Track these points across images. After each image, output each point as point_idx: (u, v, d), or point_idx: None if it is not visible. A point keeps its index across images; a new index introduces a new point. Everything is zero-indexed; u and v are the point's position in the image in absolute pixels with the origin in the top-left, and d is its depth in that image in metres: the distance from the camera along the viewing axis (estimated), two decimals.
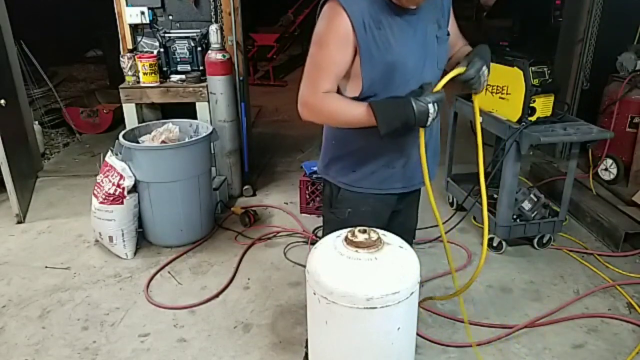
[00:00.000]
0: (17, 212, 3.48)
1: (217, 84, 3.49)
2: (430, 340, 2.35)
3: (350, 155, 1.77)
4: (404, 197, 1.86)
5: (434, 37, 1.63)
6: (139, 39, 3.69)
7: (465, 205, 3.24)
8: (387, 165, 1.73)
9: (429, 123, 1.50)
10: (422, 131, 1.60)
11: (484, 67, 1.61)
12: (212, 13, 3.60)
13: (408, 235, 1.99)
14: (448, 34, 1.70)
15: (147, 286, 2.77)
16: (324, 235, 1.88)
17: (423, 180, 1.74)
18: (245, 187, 3.87)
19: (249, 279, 2.86)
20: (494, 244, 3.05)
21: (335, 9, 1.51)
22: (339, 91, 1.64)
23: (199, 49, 3.61)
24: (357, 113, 1.54)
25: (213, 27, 3.42)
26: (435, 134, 1.83)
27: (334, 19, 1.51)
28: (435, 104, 1.50)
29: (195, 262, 3.03)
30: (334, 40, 1.53)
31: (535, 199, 3.00)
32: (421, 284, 1.68)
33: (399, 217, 1.93)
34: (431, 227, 3.19)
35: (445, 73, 1.63)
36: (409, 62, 1.58)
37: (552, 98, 2.82)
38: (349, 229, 1.52)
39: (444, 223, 3.14)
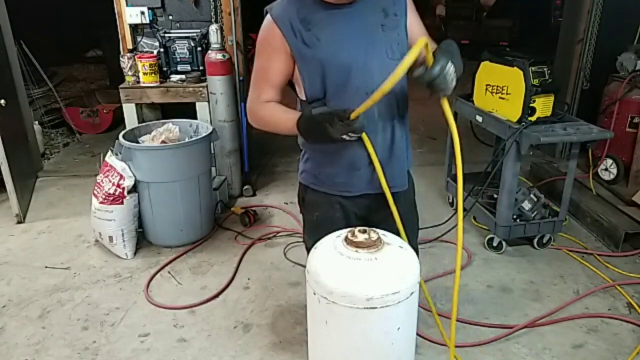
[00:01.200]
0: (17, 212, 3.48)
1: (217, 84, 3.49)
2: (430, 340, 2.35)
3: (314, 153, 1.76)
4: (381, 205, 1.71)
5: (379, 25, 1.56)
6: (139, 39, 3.69)
7: (465, 205, 3.25)
8: (351, 166, 1.67)
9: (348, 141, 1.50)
10: (364, 136, 1.57)
11: (449, 64, 1.41)
12: (212, 13, 3.60)
13: (414, 229, 1.92)
14: (399, 21, 1.60)
15: (147, 286, 2.77)
16: (304, 239, 1.92)
17: (398, 183, 1.71)
18: (245, 187, 3.87)
19: (249, 279, 2.86)
20: (494, 244, 3.05)
21: (267, 21, 1.59)
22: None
23: (199, 49, 3.61)
24: (289, 125, 1.61)
25: (213, 27, 3.42)
26: (398, 135, 1.73)
27: (265, 30, 1.59)
28: (349, 135, 1.45)
29: (195, 262, 3.03)
30: (266, 49, 1.59)
31: (535, 199, 3.00)
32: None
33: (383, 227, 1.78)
34: (431, 227, 3.20)
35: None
36: (342, 55, 1.53)
37: (552, 98, 2.82)
38: (349, 228, 1.52)
39: (443, 223, 3.19)
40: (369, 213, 1.78)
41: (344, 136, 1.46)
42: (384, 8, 1.57)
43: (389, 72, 1.38)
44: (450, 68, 1.41)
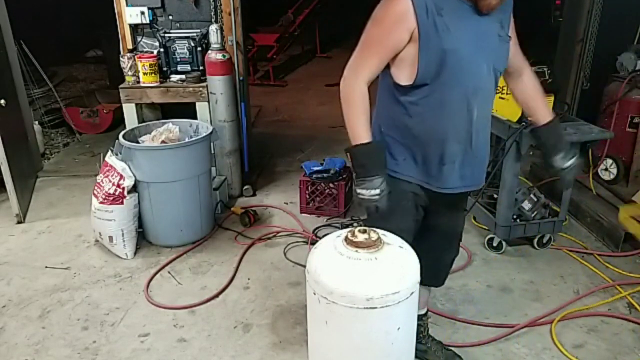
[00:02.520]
0: (17, 212, 3.48)
1: (217, 84, 3.49)
2: None
3: (405, 139, 1.69)
4: (441, 198, 1.74)
5: (496, 34, 1.59)
6: (139, 39, 3.69)
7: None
8: (440, 160, 1.66)
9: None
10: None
11: (574, 160, 1.72)
12: (212, 13, 3.60)
13: (452, 239, 1.98)
14: (509, 38, 1.67)
15: (147, 286, 2.77)
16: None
17: (477, 182, 1.75)
18: (245, 187, 3.87)
19: (249, 279, 2.86)
20: (494, 244, 3.05)
21: None
22: (388, 81, 1.64)
23: (199, 49, 3.61)
24: (355, 132, 1.60)
25: (213, 27, 3.42)
26: (488, 134, 1.77)
27: (394, 1, 1.51)
28: (380, 190, 1.57)
29: (195, 262, 3.03)
30: (389, 21, 1.52)
31: (535, 199, 3.00)
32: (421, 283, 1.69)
33: (439, 218, 1.87)
34: None
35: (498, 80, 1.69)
36: (464, 51, 1.53)
37: (552, 98, 2.82)
38: (349, 229, 1.52)
39: None
40: (430, 204, 1.80)
41: (364, 197, 1.60)
42: (501, 20, 1.60)
43: (491, 82, 1.61)
44: (575, 159, 1.73)
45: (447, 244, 1.98)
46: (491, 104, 1.72)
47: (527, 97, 1.85)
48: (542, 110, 1.82)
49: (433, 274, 1.96)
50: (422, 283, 1.82)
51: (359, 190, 1.59)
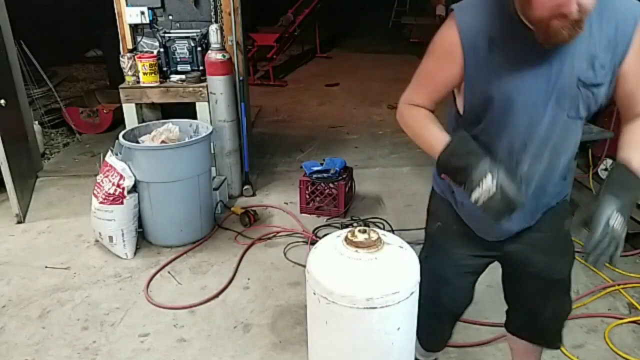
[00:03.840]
0: (17, 212, 3.48)
1: (217, 84, 3.49)
2: None
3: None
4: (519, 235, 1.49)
5: (575, 78, 1.25)
6: (139, 39, 3.69)
7: None
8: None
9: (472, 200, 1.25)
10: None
11: (615, 219, 1.18)
12: (212, 13, 3.60)
13: (548, 287, 1.57)
14: (612, 81, 1.28)
15: (147, 286, 2.77)
16: (420, 253, 1.61)
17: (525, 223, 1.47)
18: (245, 187, 3.87)
19: (249, 279, 2.86)
20: None
21: (450, 22, 1.31)
22: (452, 108, 1.47)
23: (199, 49, 3.61)
24: (432, 144, 1.37)
25: (213, 27, 3.42)
26: (556, 181, 1.45)
27: (445, 32, 1.33)
28: (491, 177, 1.20)
29: (195, 262, 3.03)
30: (439, 53, 1.37)
31: None
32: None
33: (523, 259, 1.55)
34: None
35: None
36: (517, 100, 1.28)
37: None
38: (349, 228, 1.51)
39: None
40: (505, 242, 1.55)
41: (481, 198, 1.23)
42: (593, 55, 1.24)
43: (562, 130, 1.30)
44: (616, 223, 1.18)
45: (542, 293, 1.60)
46: (562, 156, 1.39)
47: (628, 138, 1.35)
48: (634, 157, 1.28)
49: (536, 330, 1.70)
50: (526, 339, 1.75)
51: (473, 197, 1.24)
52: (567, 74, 1.25)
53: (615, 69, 1.27)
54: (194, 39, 3.61)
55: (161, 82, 3.58)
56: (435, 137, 1.37)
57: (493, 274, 2.92)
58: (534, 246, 1.53)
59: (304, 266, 1.94)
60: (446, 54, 1.33)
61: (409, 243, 1.64)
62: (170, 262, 3.00)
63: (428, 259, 1.60)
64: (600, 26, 1.23)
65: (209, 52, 3.47)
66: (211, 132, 3.20)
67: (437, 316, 1.71)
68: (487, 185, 1.21)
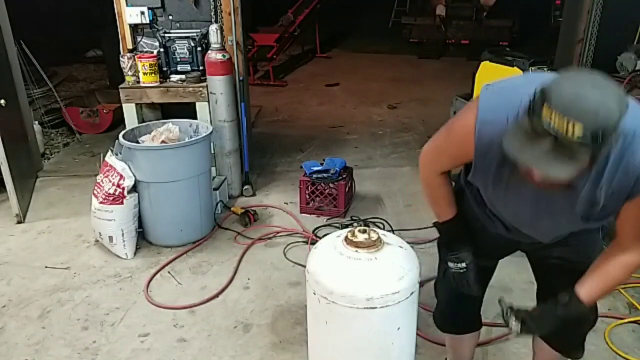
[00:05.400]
0: (17, 212, 3.48)
1: (217, 84, 3.49)
2: (430, 340, 2.35)
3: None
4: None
5: (568, 212, 1.31)
6: (139, 39, 3.69)
7: None
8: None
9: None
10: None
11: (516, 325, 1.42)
12: (212, 13, 3.60)
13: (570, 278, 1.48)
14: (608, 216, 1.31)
15: (147, 286, 2.77)
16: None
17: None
18: (245, 187, 3.87)
19: (249, 279, 2.86)
20: None
21: (470, 123, 1.30)
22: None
23: (199, 49, 3.61)
24: (436, 211, 1.62)
25: (213, 27, 3.42)
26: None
27: (463, 118, 1.36)
28: (465, 264, 1.59)
29: (195, 262, 3.03)
30: (454, 143, 1.43)
31: None
32: (421, 284, 1.69)
33: (545, 269, 1.71)
34: (431, 227, 3.19)
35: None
36: (514, 212, 1.45)
37: None
38: (349, 228, 1.52)
39: None
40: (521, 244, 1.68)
41: (453, 269, 1.59)
42: (596, 202, 1.25)
43: (562, 230, 1.45)
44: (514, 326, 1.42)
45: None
46: (567, 230, 1.48)
47: (597, 266, 1.42)
48: (587, 283, 1.40)
49: (559, 334, 1.64)
50: (544, 339, 1.79)
51: (448, 264, 1.60)
52: (569, 211, 1.31)
53: (619, 208, 1.27)
54: (194, 39, 3.61)
55: (161, 82, 3.58)
56: (443, 210, 1.60)
57: (494, 274, 2.92)
58: (563, 257, 1.60)
59: (304, 266, 1.94)
60: (460, 143, 1.37)
61: (409, 243, 1.65)
62: (170, 262, 3.00)
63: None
64: (615, 175, 1.20)
65: (209, 52, 3.47)
66: (211, 132, 3.20)
67: (455, 298, 1.76)
68: (459, 267, 1.58)
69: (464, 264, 1.57)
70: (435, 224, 1.65)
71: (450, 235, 1.61)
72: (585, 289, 1.38)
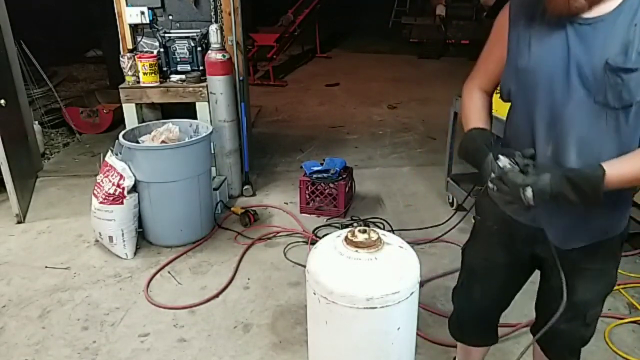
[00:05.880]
0: (17, 212, 3.48)
1: (217, 84, 3.49)
2: (430, 340, 2.35)
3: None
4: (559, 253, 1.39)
5: (604, 60, 1.18)
6: (139, 39, 3.69)
7: (465, 205, 3.24)
8: None
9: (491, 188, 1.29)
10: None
11: (533, 186, 1.20)
12: (212, 13, 3.60)
13: (570, 306, 1.41)
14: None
15: (147, 286, 2.77)
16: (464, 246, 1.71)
17: (563, 242, 1.38)
18: (245, 187, 3.87)
19: (249, 279, 2.86)
20: None
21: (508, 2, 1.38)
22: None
23: (199, 49, 3.61)
24: (465, 124, 1.50)
25: (213, 27, 3.42)
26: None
27: (501, 12, 1.42)
28: (494, 172, 1.26)
29: (195, 262, 3.03)
30: (493, 33, 1.45)
31: None
32: (421, 284, 1.69)
33: (550, 272, 1.52)
34: (431, 227, 3.20)
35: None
36: (539, 72, 1.28)
37: None
38: (349, 228, 1.52)
39: (443, 223, 3.19)
40: (536, 246, 1.49)
41: (492, 187, 1.28)
42: (630, 41, 1.17)
43: (590, 119, 1.23)
44: (529, 191, 1.20)
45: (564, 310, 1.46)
46: (594, 155, 1.25)
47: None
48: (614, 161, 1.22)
49: (548, 343, 1.69)
50: (541, 347, 1.75)
51: (490, 187, 1.30)
52: (596, 54, 1.20)
53: None
54: (194, 39, 3.61)
55: (161, 82, 3.58)
56: (470, 120, 1.48)
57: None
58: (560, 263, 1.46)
59: (304, 266, 1.94)
60: (498, 32, 1.40)
61: (409, 243, 1.65)
62: (170, 262, 3.00)
63: (466, 249, 1.70)
64: None
65: (209, 52, 3.47)
66: (211, 132, 3.20)
67: (470, 309, 1.74)
68: (494, 177, 1.28)
69: (493, 174, 1.28)
70: (462, 141, 1.45)
71: (470, 141, 1.41)
72: (609, 162, 1.20)
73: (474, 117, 1.49)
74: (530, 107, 1.33)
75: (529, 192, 1.20)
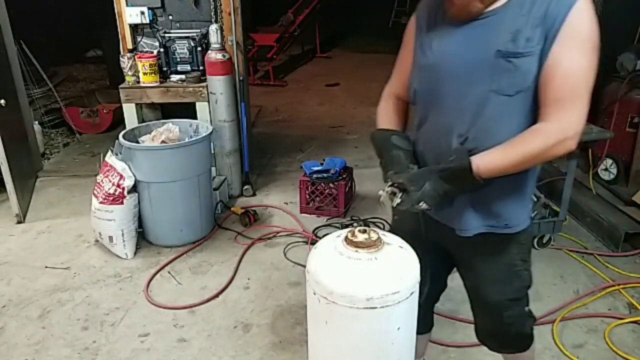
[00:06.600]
0: (17, 212, 3.48)
1: (217, 84, 3.49)
2: (430, 341, 2.35)
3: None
4: (460, 243, 1.48)
5: (494, 50, 1.25)
6: (139, 39, 3.69)
7: None
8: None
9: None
10: None
11: (417, 189, 1.30)
12: (212, 13, 3.60)
13: (483, 305, 1.60)
14: (540, 58, 1.24)
15: (147, 286, 2.77)
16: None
17: (462, 227, 1.45)
18: (245, 187, 3.87)
19: (249, 279, 2.86)
20: None
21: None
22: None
23: (199, 49, 3.61)
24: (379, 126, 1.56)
25: (213, 27, 3.42)
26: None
27: (410, 18, 1.53)
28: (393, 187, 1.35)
29: (195, 262, 3.03)
30: (403, 41, 1.54)
31: (535, 199, 3.00)
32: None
33: (463, 271, 1.61)
34: None
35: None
36: (441, 67, 1.35)
37: None
38: (349, 228, 1.52)
39: None
40: (442, 240, 1.56)
41: (385, 189, 1.37)
42: (518, 30, 1.24)
43: (490, 107, 1.29)
44: (415, 194, 1.31)
45: (475, 308, 1.68)
46: (495, 139, 1.31)
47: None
48: (486, 152, 1.30)
49: (486, 337, 1.73)
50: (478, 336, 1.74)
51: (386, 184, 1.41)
52: (490, 44, 1.27)
53: (546, 46, 1.22)
54: (194, 39, 3.61)
55: (161, 82, 3.58)
56: (379, 122, 1.57)
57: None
58: (470, 261, 1.56)
59: (304, 266, 1.94)
60: (407, 39, 1.51)
61: None
62: (170, 262, 3.00)
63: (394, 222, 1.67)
64: (533, 5, 1.24)
65: (209, 52, 3.47)
66: (211, 132, 3.20)
67: None
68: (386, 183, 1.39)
69: (387, 185, 1.37)
70: (371, 134, 1.52)
71: (373, 142, 1.49)
72: (481, 153, 1.29)
73: (381, 120, 1.57)
74: (434, 102, 1.40)
75: (422, 205, 1.32)
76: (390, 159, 1.41)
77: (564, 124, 1.24)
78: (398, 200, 1.34)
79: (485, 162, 1.27)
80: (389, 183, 1.37)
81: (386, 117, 1.58)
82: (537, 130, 1.26)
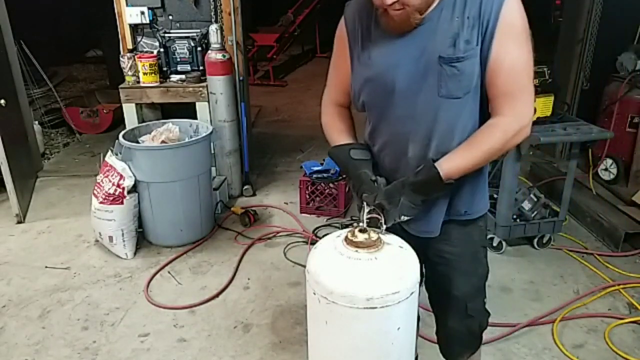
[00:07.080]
0: (17, 212, 3.48)
1: (217, 84, 3.49)
2: (430, 341, 2.35)
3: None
4: (427, 240, 1.52)
5: (436, 55, 1.28)
6: (139, 39, 3.69)
7: None
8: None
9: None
10: None
11: (394, 205, 1.34)
12: (212, 13, 3.60)
13: (446, 298, 1.60)
14: (482, 59, 1.28)
15: (147, 286, 2.77)
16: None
17: (422, 229, 1.49)
18: (245, 187, 3.87)
19: (249, 279, 2.86)
20: (494, 244, 3.04)
21: (344, 11, 1.46)
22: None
23: (199, 49, 3.61)
24: (330, 141, 1.58)
25: (213, 27, 3.42)
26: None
27: (339, 25, 1.48)
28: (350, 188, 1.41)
29: (195, 262, 3.03)
30: (335, 48, 1.50)
31: (535, 199, 3.00)
32: (421, 284, 1.68)
33: (432, 265, 1.61)
34: None
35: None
36: (389, 79, 1.34)
37: (552, 98, 2.81)
38: (349, 228, 1.51)
39: None
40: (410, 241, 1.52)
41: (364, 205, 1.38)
42: (456, 33, 1.27)
43: (437, 111, 1.31)
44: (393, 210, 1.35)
45: (440, 305, 1.67)
46: (453, 141, 1.35)
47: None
48: (450, 156, 1.33)
49: (441, 340, 1.75)
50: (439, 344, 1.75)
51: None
52: (430, 50, 1.28)
53: (485, 45, 1.26)
54: (194, 39, 3.61)
55: (161, 82, 3.58)
56: (334, 138, 1.58)
57: (493, 274, 2.92)
58: (442, 256, 1.57)
59: (304, 266, 1.94)
60: (339, 47, 1.47)
61: None
62: (170, 262, 3.00)
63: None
64: (465, 6, 1.27)
65: (209, 52, 3.47)
66: (211, 132, 3.20)
67: None
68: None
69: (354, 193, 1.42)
70: (330, 152, 1.55)
71: (343, 158, 1.49)
72: (446, 157, 1.32)
73: (332, 133, 1.60)
74: (385, 113, 1.40)
75: (403, 218, 1.37)
76: (359, 181, 1.42)
77: (517, 115, 1.29)
78: (384, 227, 1.39)
79: (450, 166, 1.31)
80: (367, 209, 1.39)
81: (335, 129, 1.60)
82: (494, 126, 1.30)
